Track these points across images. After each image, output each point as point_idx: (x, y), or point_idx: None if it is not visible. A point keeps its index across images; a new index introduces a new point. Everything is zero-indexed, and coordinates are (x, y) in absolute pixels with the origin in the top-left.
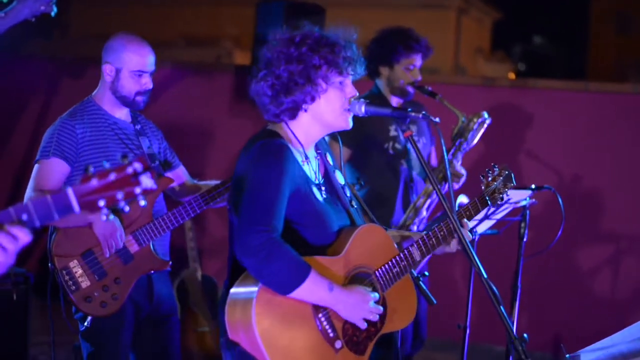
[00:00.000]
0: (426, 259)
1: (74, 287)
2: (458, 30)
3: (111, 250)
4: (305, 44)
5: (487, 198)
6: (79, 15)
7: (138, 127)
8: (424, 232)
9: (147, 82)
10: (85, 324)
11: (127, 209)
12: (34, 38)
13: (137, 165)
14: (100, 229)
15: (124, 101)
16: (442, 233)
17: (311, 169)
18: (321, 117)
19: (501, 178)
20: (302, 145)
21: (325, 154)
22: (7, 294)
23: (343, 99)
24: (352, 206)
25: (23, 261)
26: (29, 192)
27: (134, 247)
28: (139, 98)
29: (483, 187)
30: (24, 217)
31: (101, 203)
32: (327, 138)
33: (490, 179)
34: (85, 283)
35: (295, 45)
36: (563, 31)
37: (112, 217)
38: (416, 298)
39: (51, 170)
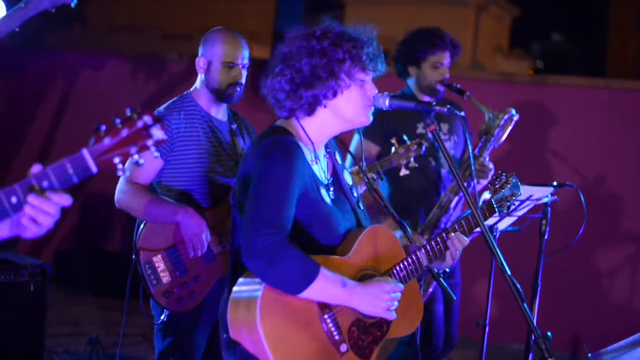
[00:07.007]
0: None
1: (155, 281)
2: (477, 28)
3: (196, 251)
4: (327, 38)
5: (495, 206)
6: (98, 7)
7: (234, 126)
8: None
9: (237, 75)
10: (162, 317)
11: (141, 161)
12: (55, 30)
13: (147, 119)
14: (187, 230)
15: (216, 94)
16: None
17: (320, 169)
18: (342, 114)
19: (509, 186)
20: (312, 143)
21: (333, 153)
22: (24, 286)
23: (364, 96)
24: (359, 207)
25: (40, 253)
26: (121, 183)
27: (217, 248)
28: (231, 90)
29: (490, 195)
30: (45, 184)
31: (116, 160)
32: (356, 137)
33: (497, 186)
34: (166, 278)
35: (317, 39)
36: (582, 28)
37: (198, 217)
38: (422, 302)
39: (144, 164)
